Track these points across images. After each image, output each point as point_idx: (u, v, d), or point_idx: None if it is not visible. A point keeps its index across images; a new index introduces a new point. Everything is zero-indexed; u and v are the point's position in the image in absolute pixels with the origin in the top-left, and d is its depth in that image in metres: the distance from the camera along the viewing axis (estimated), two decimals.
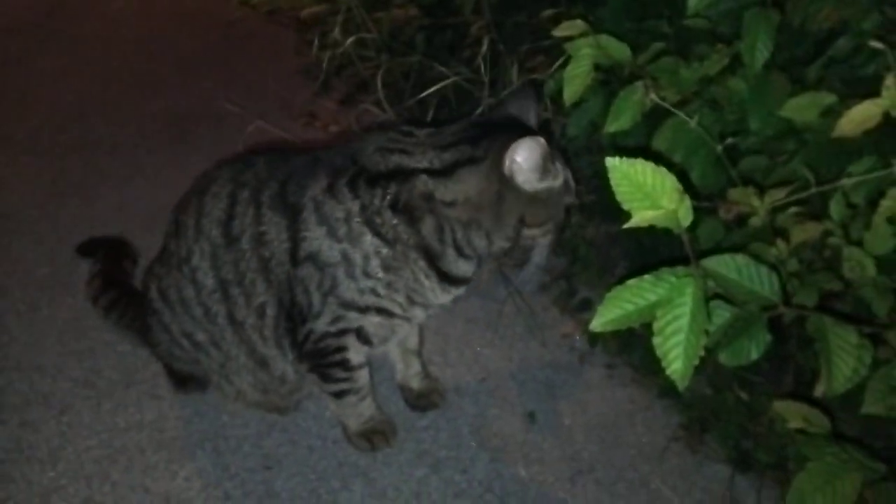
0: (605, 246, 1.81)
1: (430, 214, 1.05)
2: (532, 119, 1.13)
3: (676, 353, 0.74)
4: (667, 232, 1.17)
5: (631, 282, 0.79)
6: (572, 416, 1.36)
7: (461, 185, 1.03)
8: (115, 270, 1.49)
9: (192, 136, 2.15)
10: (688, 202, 0.71)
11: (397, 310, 1.11)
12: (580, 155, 1.79)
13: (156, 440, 1.19)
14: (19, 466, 1.13)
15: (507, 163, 0.99)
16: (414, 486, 1.18)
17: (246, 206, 1.09)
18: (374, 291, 1.08)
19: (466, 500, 1.16)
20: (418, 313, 1.14)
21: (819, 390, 1.00)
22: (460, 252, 1.08)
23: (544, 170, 1.01)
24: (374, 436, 1.23)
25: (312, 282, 1.07)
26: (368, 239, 1.05)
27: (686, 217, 0.72)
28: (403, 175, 1.05)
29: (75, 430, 1.20)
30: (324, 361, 1.13)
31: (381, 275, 1.07)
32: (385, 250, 1.06)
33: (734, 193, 0.97)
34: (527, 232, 1.05)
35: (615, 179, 0.71)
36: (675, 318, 0.74)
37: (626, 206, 0.72)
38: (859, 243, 0.94)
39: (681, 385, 0.74)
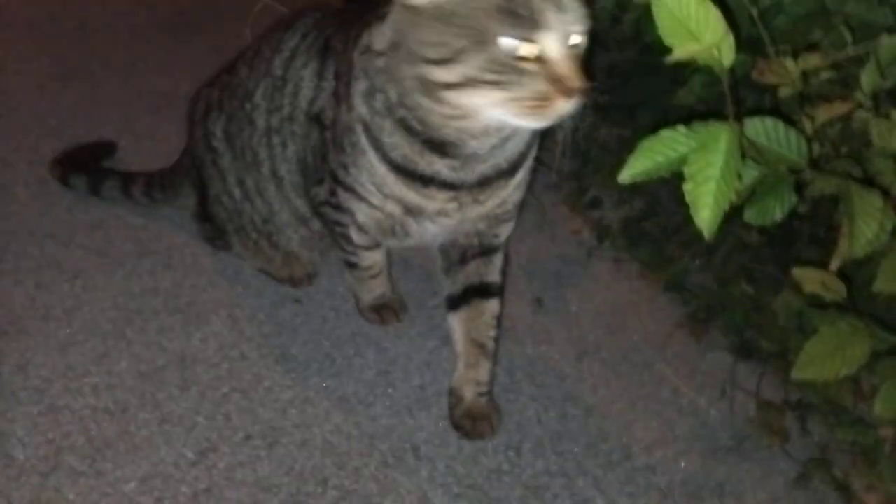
0: (617, 148, 1.80)
1: (364, 73, 0.88)
2: None
3: (706, 201, 0.74)
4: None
5: (664, 132, 0.78)
6: (579, 304, 1.38)
7: (384, 24, 0.84)
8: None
9: (195, 24, 2.10)
10: (731, 40, 0.70)
11: (372, 198, 0.95)
12: (595, 53, 1.76)
13: (171, 305, 1.20)
14: (36, 323, 1.14)
15: None
16: (425, 356, 1.20)
17: (305, 49, 1.02)
18: (345, 168, 0.95)
19: None
20: (395, 210, 0.96)
21: (834, 264, 1.01)
22: (406, 125, 0.86)
23: None
24: (384, 311, 1.24)
25: (317, 143, 1.00)
26: (344, 105, 0.92)
27: (728, 54, 0.71)
28: (362, 28, 0.90)
29: (89, 293, 1.21)
30: (331, 228, 1.11)
31: (348, 149, 0.93)
32: (348, 118, 0.91)
33: (770, 58, 0.96)
34: (436, 74, 0.77)
35: (658, 13, 0.70)
36: (707, 165, 0.74)
37: (667, 42, 0.71)
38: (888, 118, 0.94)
39: (707, 233, 0.75)
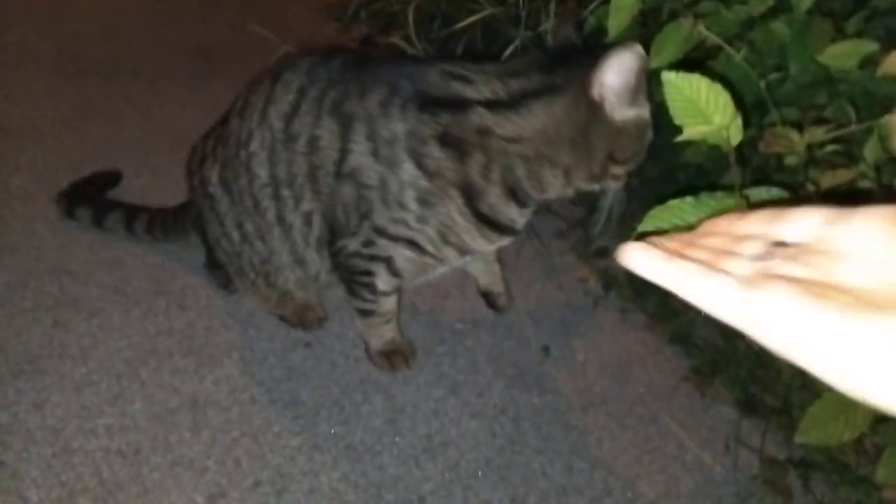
0: (625, 198, 1.83)
1: (481, 150, 0.99)
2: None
3: None
4: (688, 185, 1.22)
5: (672, 202, 0.81)
6: (585, 354, 1.40)
7: (532, 119, 0.96)
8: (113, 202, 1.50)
9: (216, 64, 2.15)
10: (739, 121, 0.73)
11: (429, 246, 1.07)
12: None
13: (185, 346, 1.23)
14: (53, 362, 1.16)
15: (596, 86, 0.92)
16: (432, 404, 1.21)
17: (310, 106, 1.05)
18: (405, 223, 1.04)
19: (482, 421, 1.20)
20: (450, 254, 1.09)
21: None
22: (513, 193, 1.02)
23: (637, 94, 0.94)
24: (395, 356, 1.26)
25: (351, 200, 1.05)
26: (408, 168, 1.00)
27: (736, 135, 0.73)
28: (459, 105, 0.98)
29: (106, 332, 1.23)
30: (352, 279, 1.15)
31: (413, 207, 1.02)
32: (423, 183, 1.00)
33: (777, 129, 0.99)
34: (613, 170, 0.99)
35: (669, 94, 0.73)
36: None
37: (678, 121, 0.74)
38: (890, 188, 0.96)
39: None
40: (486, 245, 1.09)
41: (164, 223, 1.39)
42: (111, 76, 2.05)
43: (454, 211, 1.02)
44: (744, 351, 1.38)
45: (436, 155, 0.99)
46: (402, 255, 1.08)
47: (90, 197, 1.48)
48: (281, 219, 1.13)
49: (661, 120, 1.55)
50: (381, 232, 1.06)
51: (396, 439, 1.14)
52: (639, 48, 0.89)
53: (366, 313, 1.20)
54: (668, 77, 0.72)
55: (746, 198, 0.80)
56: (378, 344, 1.25)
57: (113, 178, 1.59)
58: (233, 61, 2.15)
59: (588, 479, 1.13)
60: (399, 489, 1.06)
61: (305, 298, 1.28)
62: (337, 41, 2.24)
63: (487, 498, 1.07)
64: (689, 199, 0.80)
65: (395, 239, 1.06)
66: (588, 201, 1.79)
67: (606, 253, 1.67)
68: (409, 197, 1.01)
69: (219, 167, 1.17)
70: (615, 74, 0.91)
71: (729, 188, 0.83)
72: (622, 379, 1.35)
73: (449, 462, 1.12)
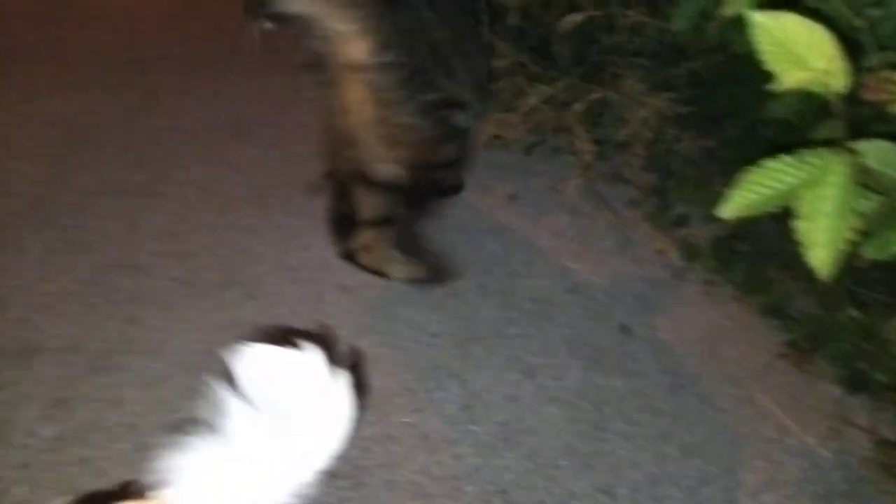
0: (702, 160, 1.71)
1: None
2: None
3: (820, 239, 0.68)
4: (774, 143, 1.08)
5: (769, 163, 0.72)
6: (669, 331, 1.31)
7: None
8: None
9: (274, 52, 2.13)
10: (844, 65, 0.63)
11: None
12: (675, 61, 1.68)
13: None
14: (127, 357, 1.16)
15: None
16: (507, 389, 1.16)
17: None
18: None
19: (561, 407, 1.14)
20: None
21: None
22: None
23: None
24: None
25: None
26: None
27: (841, 80, 0.64)
28: None
29: (177, 325, 1.23)
30: None
31: None
32: None
33: (881, 74, 0.87)
34: None
35: (759, 37, 0.64)
36: (820, 200, 0.67)
37: (771, 68, 0.65)
38: None
39: (823, 273, 0.68)
40: None
41: None
42: (173, 68, 2.06)
43: None
44: (847, 322, 1.27)
45: None
46: None
47: None
48: None
49: (742, 71, 1.42)
50: None
51: (473, 427, 1.09)
52: None
53: None
54: (758, 18, 0.63)
55: (854, 153, 0.70)
56: None
57: None
58: (292, 50, 2.12)
59: (681, 468, 1.06)
60: (479, 480, 1.01)
61: None
62: None
63: (571, 488, 1.01)
64: (787, 158, 0.71)
65: None
66: (662, 167, 1.69)
67: (686, 221, 1.57)
68: None
69: None
70: None
71: (827, 143, 0.73)
72: (711, 357, 1.26)
73: (529, 450, 1.06)
